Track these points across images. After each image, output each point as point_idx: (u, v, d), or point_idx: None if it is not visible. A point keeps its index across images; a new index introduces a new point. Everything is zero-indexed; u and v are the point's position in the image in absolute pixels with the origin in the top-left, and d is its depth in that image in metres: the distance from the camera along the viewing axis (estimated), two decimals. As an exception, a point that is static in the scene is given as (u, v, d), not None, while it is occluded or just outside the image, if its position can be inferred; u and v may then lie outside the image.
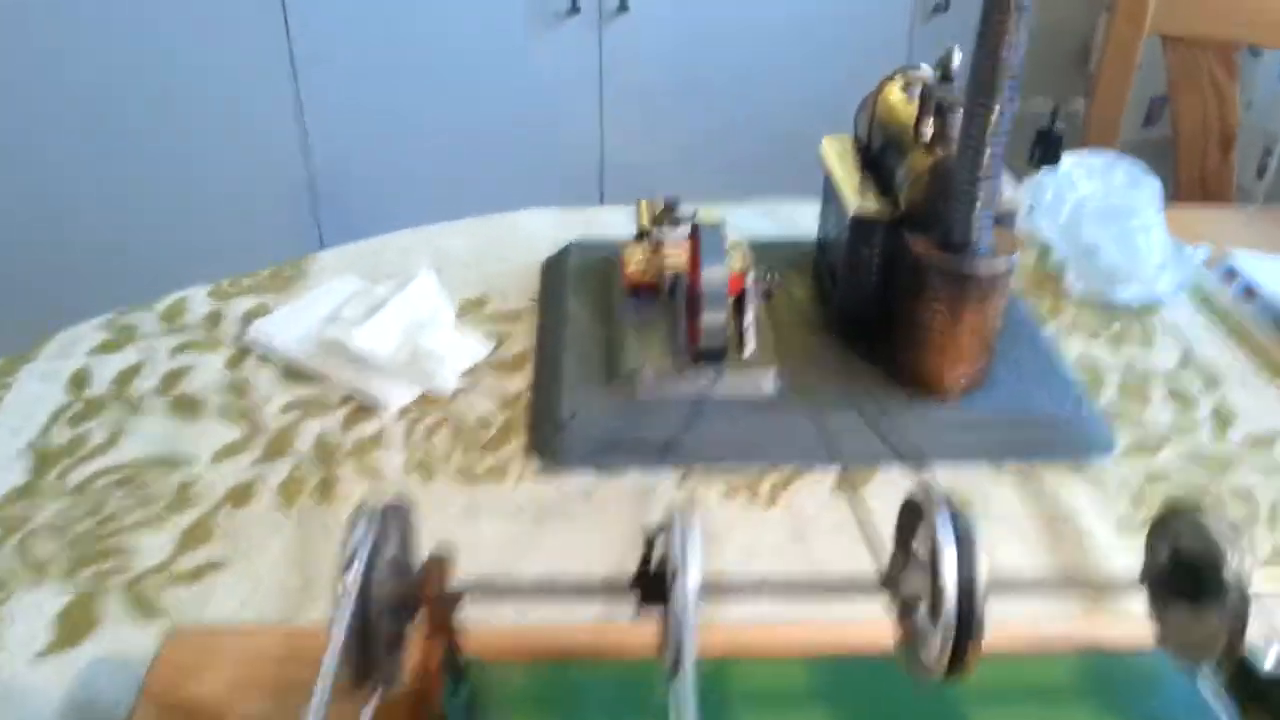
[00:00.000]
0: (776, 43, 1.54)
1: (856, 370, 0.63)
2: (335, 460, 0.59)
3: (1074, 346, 0.68)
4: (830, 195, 0.69)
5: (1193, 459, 0.58)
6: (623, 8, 1.50)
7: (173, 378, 0.66)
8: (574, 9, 1.49)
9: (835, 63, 1.54)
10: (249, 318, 0.71)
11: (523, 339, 0.70)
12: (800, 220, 0.85)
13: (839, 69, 1.56)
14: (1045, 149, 0.59)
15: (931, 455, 0.58)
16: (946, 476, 0.57)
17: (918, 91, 0.65)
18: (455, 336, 0.67)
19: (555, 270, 0.76)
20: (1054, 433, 0.59)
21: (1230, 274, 0.76)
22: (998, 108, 0.52)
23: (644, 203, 0.71)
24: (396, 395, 0.63)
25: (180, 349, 0.68)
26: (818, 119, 1.57)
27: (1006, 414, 0.59)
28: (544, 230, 0.83)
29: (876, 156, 0.66)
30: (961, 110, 0.58)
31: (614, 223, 0.84)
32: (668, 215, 0.70)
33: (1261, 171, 1.25)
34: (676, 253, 0.70)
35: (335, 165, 1.56)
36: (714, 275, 0.59)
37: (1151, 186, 0.75)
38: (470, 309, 0.73)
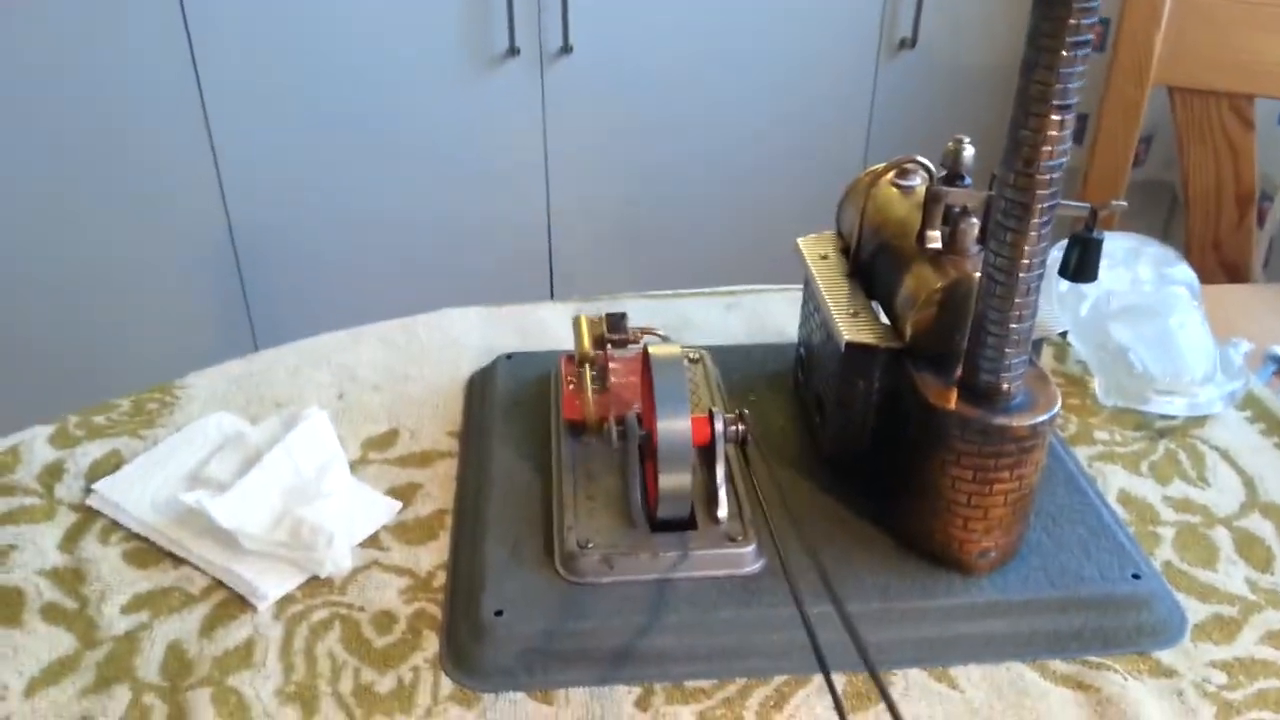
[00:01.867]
0: (732, 81, 1.43)
1: (856, 534, 0.50)
2: (189, 685, 0.45)
3: (1114, 482, 0.56)
4: (812, 302, 0.56)
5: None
6: (565, 49, 1.38)
7: (-10, 563, 0.51)
8: (513, 50, 1.37)
9: (794, 100, 1.44)
10: (96, 473, 0.57)
11: (438, 492, 0.56)
12: (770, 314, 0.72)
13: (798, 106, 1.46)
14: (1082, 259, 0.47)
15: (956, 653, 0.46)
16: (976, 682, 0.45)
17: (915, 185, 0.53)
18: (350, 499, 0.54)
19: (481, 393, 0.63)
20: (1109, 616, 0.46)
21: (1278, 370, 0.65)
22: (1034, 233, 0.40)
23: (584, 320, 0.58)
24: (273, 584, 0.49)
25: (5, 520, 0.54)
26: (777, 158, 1.49)
27: (1048, 594, 0.47)
28: (469, 335, 0.70)
29: (868, 263, 0.53)
30: (975, 220, 0.47)
31: (551, 325, 0.71)
32: (612, 333, 0.57)
33: (1261, 219, 1.16)
34: (624, 382, 0.57)
35: (257, 223, 1.43)
36: (673, 430, 0.46)
37: (1186, 277, 0.64)
38: (374, 448, 0.59)
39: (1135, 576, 0.47)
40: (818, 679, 0.45)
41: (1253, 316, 0.71)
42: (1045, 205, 0.40)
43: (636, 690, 0.45)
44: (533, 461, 0.55)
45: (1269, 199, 1.17)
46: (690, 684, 0.45)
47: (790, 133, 1.47)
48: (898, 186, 0.54)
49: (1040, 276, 0.42)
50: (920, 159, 0.52)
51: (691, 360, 0.62)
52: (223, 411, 0.61)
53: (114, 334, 1.48)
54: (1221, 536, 0.52)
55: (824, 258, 0.56)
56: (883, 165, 0.55)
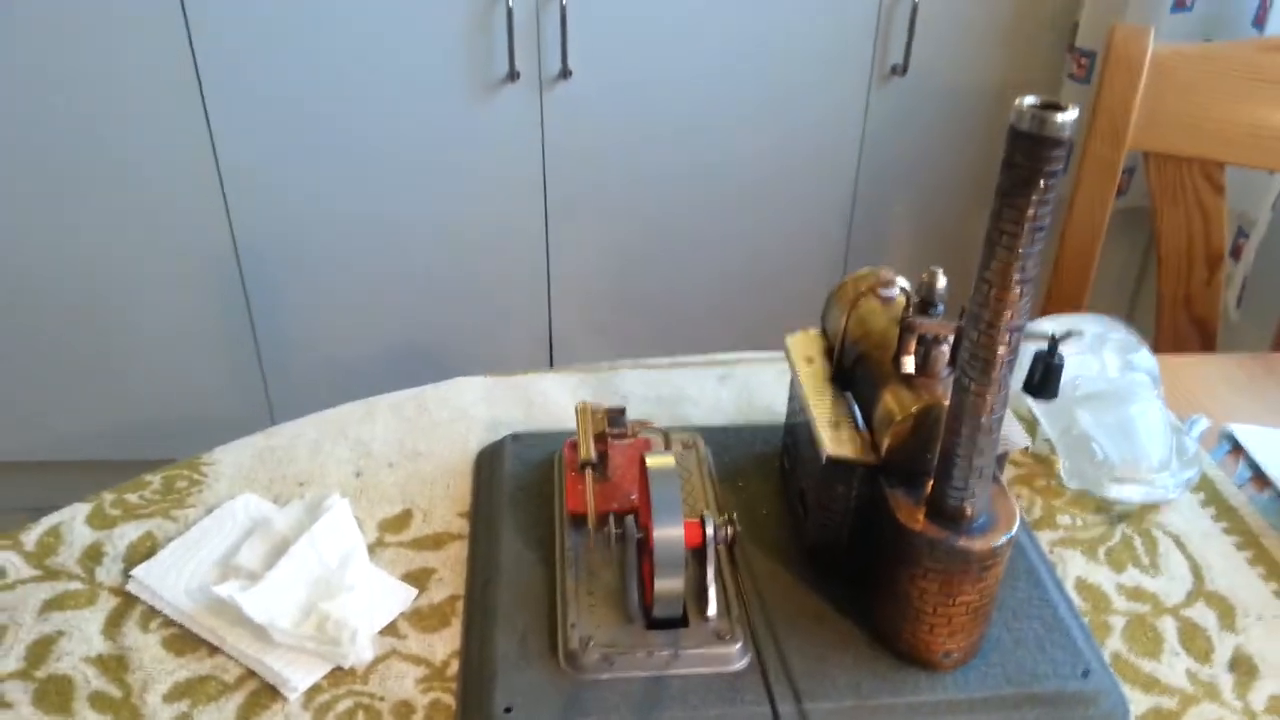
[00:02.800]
0: (728, 106, 1.46)
1: (834, 630, 0.55)
2: (228, 775, 0.50)
3: (1072, 569, 0.61)
4: (798, 401, 0.60)
5: (1216, 733, 0.51)
6: (564, 74, 1.41)
7: (41, 649, 0.56)
8: (513, 75, 1.40)
9: (790, 125, 1.48)
10: (133, 556, 0.61)
11: (450, 576, 0.61)
12: (761, 387, 0.77)
13: (794, 131, 1.50)
14: (1044, 379, 0.52)
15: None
16: (942, 772, 0.50)
17: (894, 296, 0.58)
18: (369, 590, 0.58)
19: (490, 474, 0.67)
20: (1060, 711, 0.51)
21: (1232, 449, 0.70)
22: (996, 384, 0.45)
23: (587, 412, 0.62)
24: (301, 675, 0.54)
25: (53, 605, 0.59)
26: (774, 184, 1.52)
27: (1005, 691, 0.51)
28: (477, 406, 0.74)
29: (849, 370, 0.58)
30: (945, 347, 0.51)
31: (554, 398, 0.75)
32: (613, 429, 0.62)
33: (1237, 254, 1.20)
34: (624, 470, 0.61)
35: (259, 240, 1.47)
36: (668, 538, 0.51)
37: (1147, 364, 0.68)
38: (390, 530, 0.64)
39: (1085, 673, 0.52)
40: (797, 770, 0.50)
41: (1213, 392, 0.75)
42: (1006, 361, 0.44)
43: (633, 781, 0.50)
44: (538, 551, 0.60)
45: (1245, 235, 1.22)
46: (681, 775, 0.50)
47: (783, 158, 1.51)
48: (879, 297, 0.58)
49: (1002, 419, 0.46)
50: (900, 280, 0.56)
51: (685, 446, 0.66)
52: (248, 494, 0.66)
53: (117, 345, 1.53)
54: (1168, 626, 0.57)
55: (809, 361, 0.60)
56: (866, 277, 0.59)
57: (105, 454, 1.62)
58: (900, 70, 1.45)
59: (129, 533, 0.63)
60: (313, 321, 1.55)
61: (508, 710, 0.51)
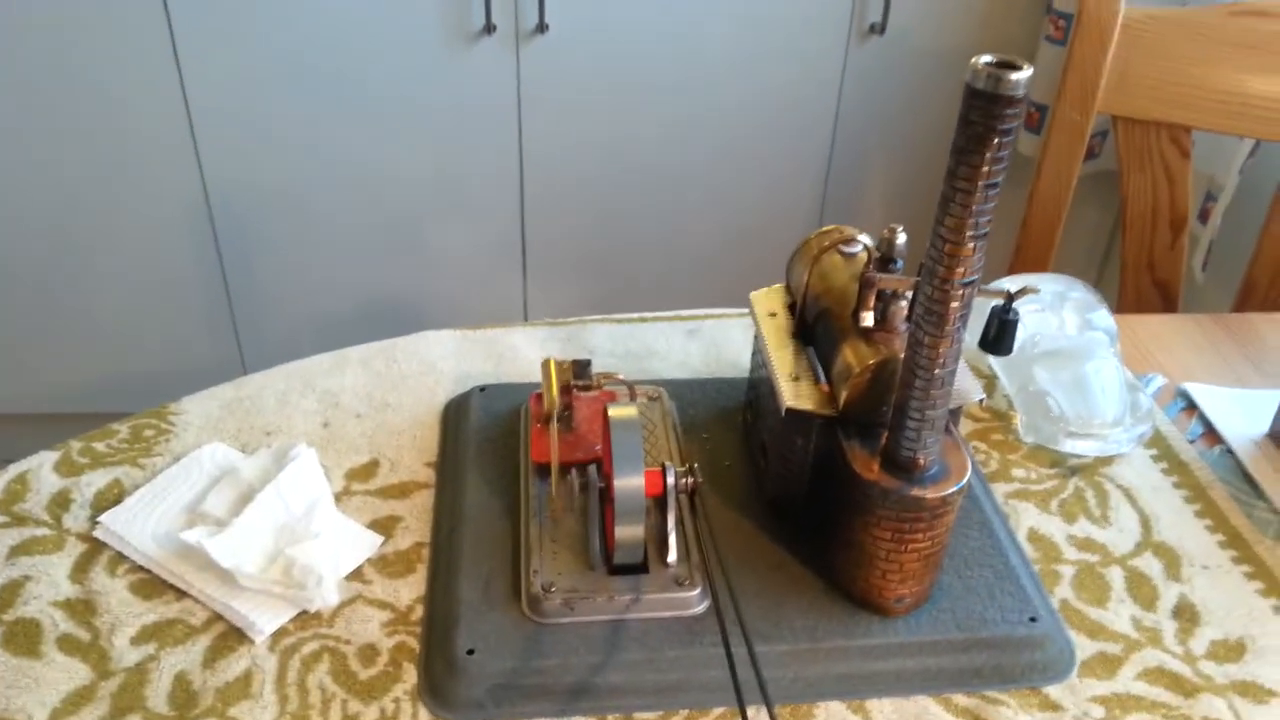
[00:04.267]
0: (705, 63, 1.46)
1: (790, 576, 0.56)
2: (195, 715, 0.51)
3: (1025, 520, 0.62)
4: (760, 355, 0.61)
5: (1158, 678, 0.53)
6: (541, 28, 1.40)
7: (9, 594, 0.57)
8: (489, 28, 1.39)
9: (768, 83, 1.48)
10: (100, 503, 0.62)
11: (416, 524, 0.61)
12: (728, 343, 0.77)
13: (772, 89, 1.49)
14: (999, 334, 0.53)
15: (872, 687, 0.52)
16: (888, 714, 0.51)
17: (857, 252, 0.58)
18: (336, 536, 0.59)
19: (456, 425, 0.68)
20: (1006, 655, 0.53)
21: (1186, 406, 0.71)
22: (949, 338, 0.45)
23: (552, 368, 0.63)
24: (267, 619, 0.55)
25: (20, 550, 0.59)
26: (752, 141, 1.52)
27: (954, 635, 0.53)
28: (445, 360, 0.75)
29: (811, 327, 0.58)
30: (904, 302, 0.52)
31: (523, 351, 0.76)
32: (578, 380, 0.62)
33: (1205, 218, 1.21)
34: (588, 422, 0.62)
35: (234, 197, 1.46)
36: (629, 486, 0.52)
37: (1105, 323, 0.69)
38: (357, 479, 0.65)
39: (1032, 619, 0.54)
40: (750, 710, 0.51)
41: (1171, 351, 0.76)
42: (959, 314, 0.45)
43: (592, 722, 0.51)
44: (503, 500, 0.61)
45: (1212, 199, 1.23)
46: (639, 716, 0.51)
47: (761, 115, 1.51)
48: (841, 254, 0.59)
49: (954, 372, 0.47)
50: (862, 236, 0.57)
51: (650, 399, 0.67)
52: (216, 443, 0.66)
53: (86, 297, 1.52)
54: (1115, 575, 0.59)
55: (772, 315, 0.61)
56: (830, 233, 0.60)
57: (73, 407, 1.61)
58: (879, 29, 1.45)
59: (96, 480, 0.64)
60: (285, 273, 1.54)
61: (470, 652, 0.52)
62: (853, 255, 0.59)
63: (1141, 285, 0.93)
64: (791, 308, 0.61)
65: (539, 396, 0.66)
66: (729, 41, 1.44)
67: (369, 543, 0.60)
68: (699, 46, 1.44)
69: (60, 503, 0.62)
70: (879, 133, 1.53)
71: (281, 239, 1.52)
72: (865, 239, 0.57)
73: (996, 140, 0.41)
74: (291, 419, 0.69)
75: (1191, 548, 0.60)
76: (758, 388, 0.63)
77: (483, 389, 0.70)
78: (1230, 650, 0.54)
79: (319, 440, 0.67)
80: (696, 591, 0.54)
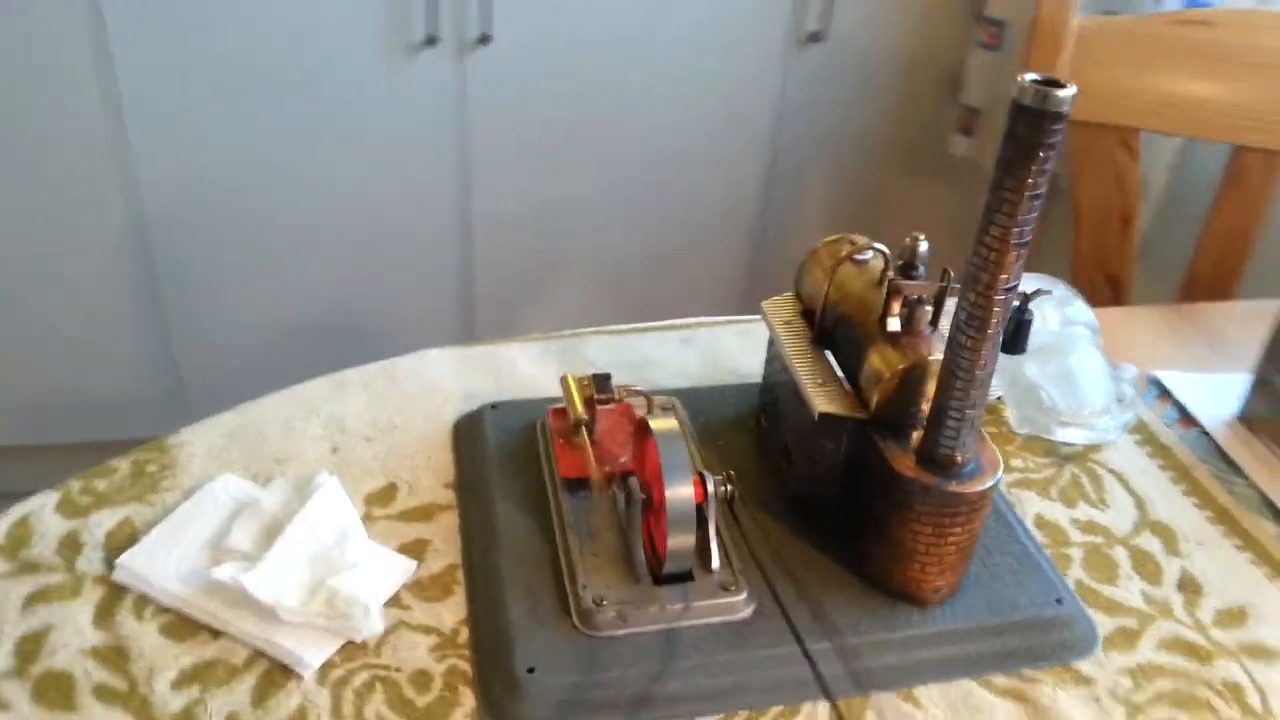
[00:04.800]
0: (647, 74, 1.47)
1: (826, 575, 0.58)
2: (253, 754, 0.50)
3: (1030, 508, 0.65)
4: (778, 362, 0.63)
5: (1175, 647, 0.57)
6: (484, 39, 1.40)
7: (33, 646, 0.55)
8: (432, 39, 1.38)
9: (708, 93, 1.50)
10: (113, 544, 0.60)
11: (444, 547, 0.61)
12: (723, 350, 0.79)
13: (712, 99, 1.52)
14: (1015, 335, 0.56)
15: (918, 675, 0.54)
16: (935, 700, 0.54)
17: (868, 259, 0.61)
18: (371, 564, 0.59)
19: (471, 443, 0.68)
20: (1038, 636, 0.56)
21: (1160, 394, 0.76)
22: (990, 342, 0.48)
23: (572, 383, 0.64)
24: (313, 652, 0.54)
25: (37, 599, 0.57)
26: (695, 150, 1.54)
27: (989, 620, 0.56)
28: (446, 378, 0.75)
29: (829, 332, 0.60)
30: (928, 307, 0.54)
31: (522, 367, 0.76)
32: (600, 394, 0.63)
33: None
34: (608, 434, 0.63)
35: (171, 212, 1.42)
36: (679, 497, 0.53)
37: (1085, 317, 0.73)
38: (376, 504, 0.64)
39: (1058, 601, 0.57)
40: (806, 707, 0.53)
41: (1136, 340, 0.81)
42: (998, 320, 0.48)
43: (654, 729, 0.52)
44: (532, 517, 0.61)
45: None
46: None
47: (703, 124, 1.53)
48: (854, 263, 0.61)
49: (992, 374, 0.50)
50: (879, 246, 0.59)
51: (663, 409, 0.68)
52: (228, 474, 0.65)
53: (13, 320, 1.45)
54: (1120, 554, 0.62)
55: (788, 324, 0.63)
56: (839, 243, 0.62)
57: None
58: (817, 37, 1.48)
59: (105, 520, 0.62)
60: (222, 290, 1.50)
61: (530, 671, 0.52)
62: (864, 263, 0.61)
63: (1095, 280, 0.98)
64: (806, 316, 0.63)
65: (558, 411, 0.66)
66: (670, 52, 1.46)
67: (404, 568, 0.59)
68: (642, 57, 1.45)
69: (70, 546, 0.60)
70: (819, 140, 1.57)
71: (218, 254, 1.47)
72: (881, 247, 0.60)
73: (1041, 154, 0.43)
74: (299, 446, 0.68)
75: (1184, 525, 0.65)
76: (774, 392, 0.65)
77: (494, 406, 0.70)
78: (1234, 617, 0.59)
79: (330, 465, 0.66)
80: (743, 595, 0.55)
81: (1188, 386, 0.74)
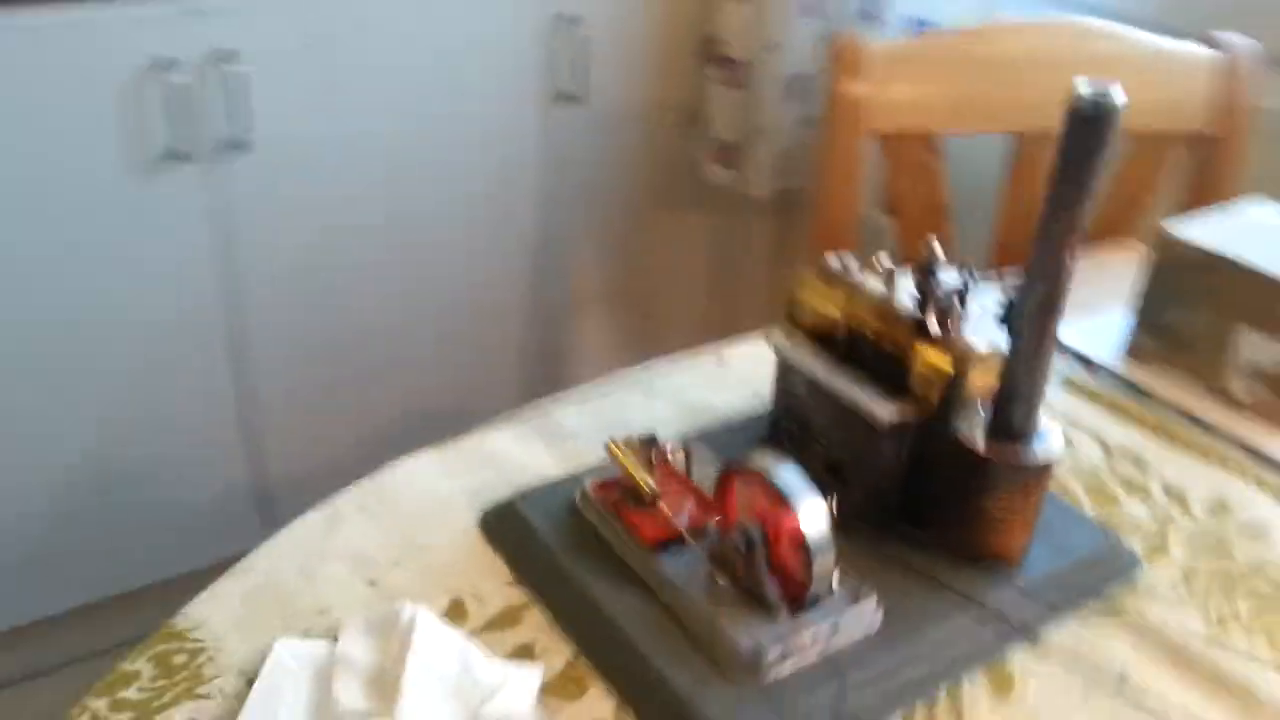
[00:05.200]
0: (409, 156, 1.45)
1: (913, 563, 0.62)
2: None
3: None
4: (801, 385, 0.67)
5: (1195, 544, 0.67)
6: (239, 145, 1.30)
7: None
8: (175, 154, 1.27)
9: (470, 166, 1.49)
10: (195, 750, 0.52)
11: (549, 643, 0.59)
12: (684, 391, 0.81)
13: (471, 169, 1.51)
14: (1010, 319, 0.64)
15: (1033, 623, 0.60)
16: (1055, 641, 0.60)
17: (862, 280, 0.66)
18: (508, 682, 0.55)
19: (515, 537, 0.65)
20: (1103, 569, 0.64)
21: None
22: (1052, 319, 0.55)
23: (617, 447, 0.64)
24: (494, 788, 0.51)
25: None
26: (464, 220, 1.53)
27: (1064, 563, 0.63)
28: (440, 482, 0.71)
29: (847, 349, 0.65)
30: (959, 305, 0.61)
31: (512, 452, 0.74)
32: (658, 456, 0.64)
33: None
34: (678, 495, 0.64)
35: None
36: (815, 518, 0.55)
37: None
38: (456, 622, 0.60)
39: (1104, 535, 0.65)
40: (965, 684, 0.57)
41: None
42: (1063, 303, 0.55)
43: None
44: (633, 589, 0.60)
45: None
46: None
47: (468, 195, 1.52)
48: (850, 281, 0.66)
49: (1053, 351, 0.57)
50: (881, 261, 0.65)
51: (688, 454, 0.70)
52: (282, 639, 0.58)
53: None
54: (1110, 481, 0.72)
55: (807, 349, 0.67)
56: (825, 268, 0.67)
57: None
58: (574, 98, 1.52)
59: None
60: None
61: (725, 733, 0.52)
62: (859, 281, 0.67)
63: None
64: (815, 338, 0.68)
65: (603, 484, 0.66)
66: (431, 131, 1.44)
67: (532, 676, 0.57)
68: (401, 142, 1.42)
69: (141, 771, 0.52)
70: (580, 195, 1.61)
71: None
72: (885, 258, 0.65)
73: (1101, 155, 0.51)
74: (331, 590, 0.62)
75: (1143, 448, 0.76)
76: (798, 415, 0.68)
77: (524, 496, 0.68)
78: (1222, 507, 0.70)
79: (377, 599, 0.62)
80: (873, 598, 0.58)
81: (1073, 335, 0.87)
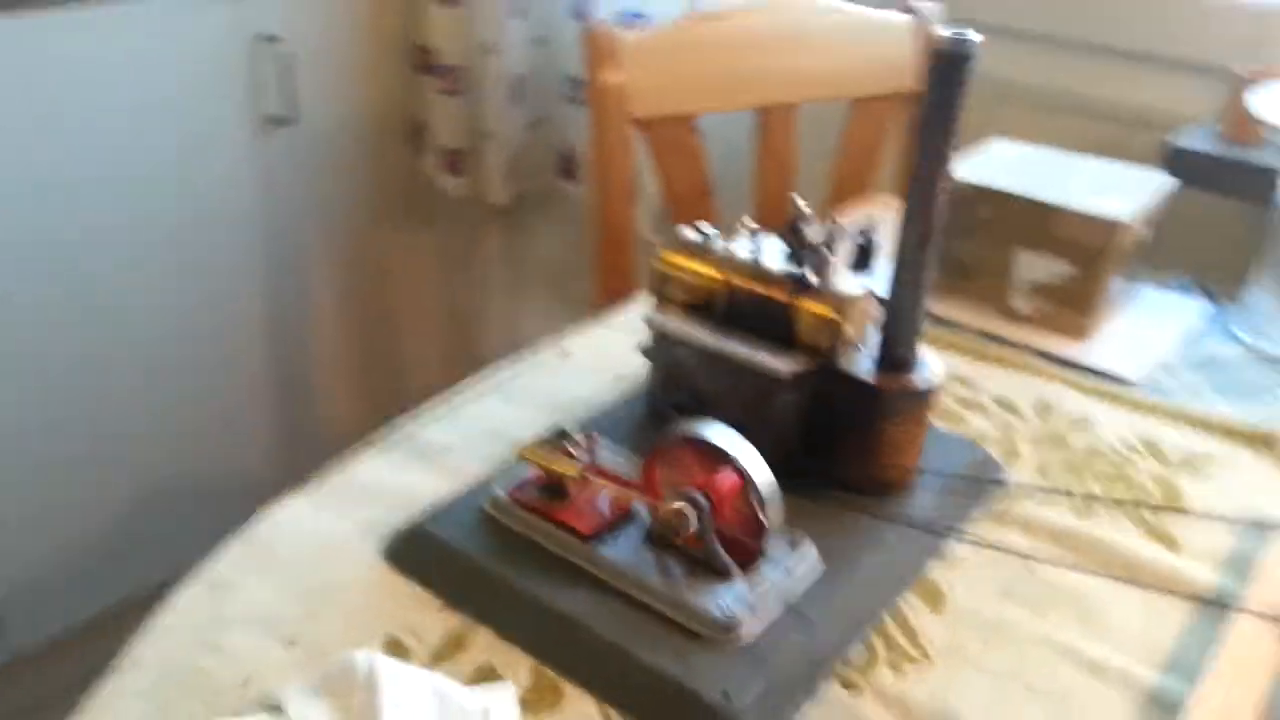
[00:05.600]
0: (119, 214, 1.30)
1: (831, 504, 0.65)
2: None
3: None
4: (686, 355, 0.68)
5: (1039, 443, 0.75)
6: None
7: None
8: None
9: (180, 190, 1.37)
10: None
11: (508, 659, 0.56)
12: (540, 386, 0.80)
13: (185, 196, 1.38)
14: (863, 259, 0.68)
15: (944, 533, 0.65)
16: (960, 550, 0.65)
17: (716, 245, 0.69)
18: (484, 703, 0.52)
19: (434, 562, 0.62)
20: (979, 482, 0.70)
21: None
22: (929, 253, 0.60)
23: (532, 452, 0.62)
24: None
25: None
26: (192, 256, 1.40)
27: (950, 478, 0.69)
28: (321, 522, 0.66)
29: (724, 312, 0.67)
30: (830, 254, 0.65)
31: (386, 478, 0.70)
32: (572, 446, 0.62)
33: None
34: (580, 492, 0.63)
35: None
36: (758, 468, 0.57)
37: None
38: (402, 659, 0.56)
39: (975, 450, 0.72)
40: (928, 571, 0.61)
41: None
42: (938, 238, 0.60)
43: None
44: (579, 583, 0.59)
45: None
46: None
47: (193, 232, 1.40)
48: (712, 249, 0.69)
49: (928, 284, 0.62)
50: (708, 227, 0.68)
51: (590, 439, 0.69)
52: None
53: None
54: (951, 404, 0.80)
55: (683, 319, 0.68)
56: (679, 241, 0.69)
57: None
58: (282, 120, 1.43)
59: None
60: None
61: (726, 696, 0.52)
62: (714, 246, 0.69)
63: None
64: (686, 307, 0.69)
65: (518, 488, 0.63)
66: (127, 178, 1.30)
67: (506, 694, 0.54)
68: (91, 193, 1.27)
69: None
70: (302, 219, 1.52)
71: None
72: (749, 220, 0.68)
73: (962, 93, 0.56)
74: (246, 659, 0.56)
75: (964, 370, 0.84)
76: (689, 384, 0.69)
77: (434, 518, 0.64)
78: (1046, 408, 0.79)
79: (304, 657, 0.56)
80: (810, 544, 0.61)
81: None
